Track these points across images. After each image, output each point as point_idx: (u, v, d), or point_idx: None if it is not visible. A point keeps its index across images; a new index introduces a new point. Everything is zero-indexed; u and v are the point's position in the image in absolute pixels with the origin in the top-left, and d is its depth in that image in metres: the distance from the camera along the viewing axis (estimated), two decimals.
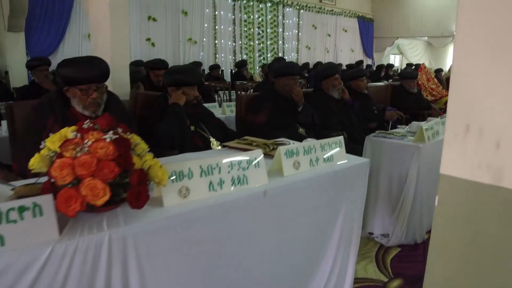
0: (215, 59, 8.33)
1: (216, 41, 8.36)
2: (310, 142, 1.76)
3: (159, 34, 7.49)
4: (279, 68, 3.05)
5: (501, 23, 0.88)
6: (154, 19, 7.36)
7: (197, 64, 6.78)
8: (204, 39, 8.16)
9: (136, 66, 5.08)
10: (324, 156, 1.72)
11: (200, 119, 2.52)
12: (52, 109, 1.84)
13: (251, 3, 8.79)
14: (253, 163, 1.43)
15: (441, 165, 0.99)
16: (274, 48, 9.48)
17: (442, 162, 0.99)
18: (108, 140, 1.09)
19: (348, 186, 1.80)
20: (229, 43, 8.61)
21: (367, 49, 12.22)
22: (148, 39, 7.42)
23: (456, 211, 1.01)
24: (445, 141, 0.98)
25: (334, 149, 1.78)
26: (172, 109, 2.31)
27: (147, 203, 1.24)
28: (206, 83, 5.39)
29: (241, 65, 7.20)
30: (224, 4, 8.35)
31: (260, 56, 9.20)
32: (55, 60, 5.20)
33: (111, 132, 1.13)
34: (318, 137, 3.14)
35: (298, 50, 10.13)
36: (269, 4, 9.14)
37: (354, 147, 3.05)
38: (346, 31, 11.43)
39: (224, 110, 3.85)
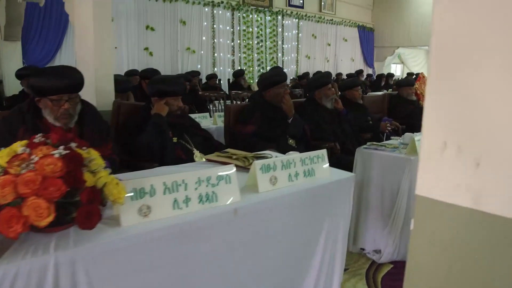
0: (214, 69, 8.30)
1: (215, 50, 8.32)
2: (291, 155, 1.67)
3: (157, 43, 7.46)
4: (265, 79, 2.97)
5: (481, 28, 0.80)
6: (152, 29, 7.34)
7: (195, 73, 6.73)
8: (203, 49, 8.12)
9: (128, 76, 5.04)
10: (305, 171, 1.63)
11: (184, 130, 2.44)
12: (23, 120, 1.77)
13: (250, 13, 8.77)
14: (224, 179, 1.34)
15: (416, 185, 0.90)
16: (273, 57, 9.44)
17: (418, 183, 0.90)
18: (56, 155, 1.01)
19: (331, 202, 1.71)
20: (228, 52, 8.57)
21: (368, 58, 12.16)
22: (146, 49, 7.39)
23: (433, 236, 0.91)
24: (420, 159, 0.89)
25: (316, 163, 1.68)
26: (153, 120, 2.23)
27: (103, 222, 1.16)
28: (200, 92, 5.32)
29: (238, 75, 7.15)
30: (223, 13, 8.33)
31: (259, 65, 9.15)
32: None
33: (62, 147, 1.05)
34: (309, 148, 3.07)
35: (297, 60, 10.08)
36: (268, 14, 9.12)
37: (346, 159, 2.97)
38: (346, 40, 11.38)
39: (215, 120, 3.78)
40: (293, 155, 1.64)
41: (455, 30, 0.82)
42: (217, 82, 7.38)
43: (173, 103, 2.36)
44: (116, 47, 6.94)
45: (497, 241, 0.83)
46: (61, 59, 6.49)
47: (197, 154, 2.34)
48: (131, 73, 5.54)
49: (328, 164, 1.75)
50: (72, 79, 1.78)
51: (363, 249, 2.74)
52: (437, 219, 0.88)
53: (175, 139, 2.33)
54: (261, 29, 9.04)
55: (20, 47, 5.93)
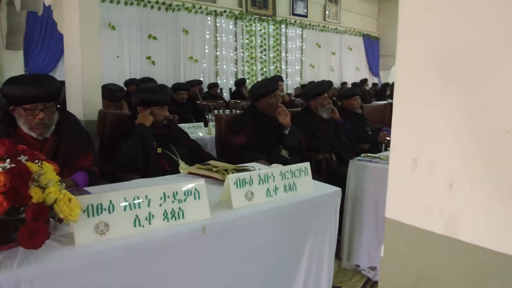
0: (216, 78, 8.26)
1: (217, 60, 8.29)
2: (271, 169, 1.59)
3: (159, 52, 7.44)
4: (256, 89, 2.89)
5: (451, 34, 0.71)
6: (154, 38, 7.33)
7: (195, 82, 6.67)
8: (205, 58, 8.10)
9: (127, 85, 5.01)
10: (285, 185, 1.54)
11: (171, 140, 2.37)
12: None
13: (253, 22, 8.74)
14: (193, 194, 1.26)
15: (386, 206, 0.81)
16: (276, 66, 9.39)
17: (388, 203, 0.81)
18: (0, 169, 0.94)
19: (315, 219, 1.61)
20: (231, 61, 8.54)
21: (373, 67, 12.05)
22: (149, 58, 7.38)
23: (405, 264, 0.82)
24: (389, 177, 0.80)
25: (298, 176, 1.59)
26: (137, 130, 2.17)
27: (57, 240, 1.09)
28: (198, 102, 5.27)
29: (240, 84, 7.10)
30: (226, 22, 8.31)
31: (262, 74, 9.10)
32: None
33: (8, 160, 0.97)
34: (304, 159, 2.97)
35: (301, 69, 10.02)
36: (271, 23, 9.09)
37: (342, 171, 2.87)
38: (351, 49, 11.29)
39: (210, 130, 3.70)
40: (273, 169, 1.56)
41: (422, 36, 0.74)
42: (219, 91, 7.32)
43: (158, 113, 2.29)
44: (118, 56, 6.96)
45: (476, 274, 0.73)
46: (64, 67, 6.48)
47: (182, 165, 2.26)
48: (130, 82, 5.52)
49: (311, 178, 1.65)
50: (47, 87, 1.72)
51: (358, 266, 2.62)
52: (409, 246, 0.79)
53: (159, 150, 2.26)
54: (264, 38, 9.00)
55: (22, 55, 5.95)
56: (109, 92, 3.38)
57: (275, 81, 2.97)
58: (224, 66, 8.44)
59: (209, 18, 8.02)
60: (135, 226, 1.14)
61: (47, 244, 1.05)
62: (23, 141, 1.73)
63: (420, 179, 0.74)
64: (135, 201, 1.15)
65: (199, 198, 1.27)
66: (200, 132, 3.65)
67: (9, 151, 1.00)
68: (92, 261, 1.06)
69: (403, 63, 0.76)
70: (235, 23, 8.45)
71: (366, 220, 2.54)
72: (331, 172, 3.11)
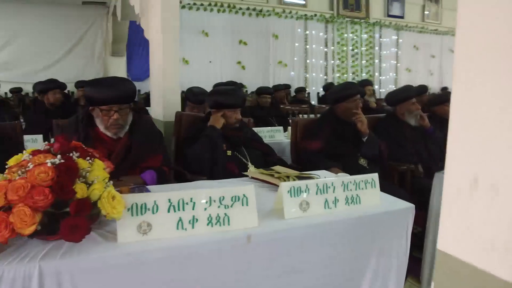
0: (305, 82, 8.17)
1: (307, 64, 8.19)
2: (331, 178, 1.46)
3: (249, 57, 7.62)
4: (335, 93, 2.74)
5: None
6: (244, 43, 7.53)
7: (284, 86, 6.68)
8: (295, 63, 8.05)
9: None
10: (347, 197, 1.40)
11: (242, 144, 2.35)
12: (77, 129, 1.85)
13: (345, 25, 8.46)
14: (240, 200, 1.20)
15: (438, 236, 0.65)
16: (369, 70, 8.95)
17: (440, 232, 0.65)
18: (49, 164, 0.98)
19: (380, 236, 1.44)
20: (320, 66, 8.37)
21: None
22: (239, 62, 7.60)
23: None
24: (443, 200, 0.64)
25: (362, 188, 1.44)
26: (206, 132, 2.19)
27: (103, 235, 1.12)
28: (281, 106, 5.24)
29: (327, 88, 6.92)
30: (316, 26, 8.17)
31: (353, 79, 8.75)
32: None
33: (59, 156, 1.02)
34: (384, 169, 2.74)
35: (397, 73, 9.42)
36: (364, 25, 8.70)
37: (430, 184, 2.58)
38: (453, 51, 10.30)
39: (289, 135, 3.63)
40: (334, 178, 1.43)
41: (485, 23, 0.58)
42: (306, 95, 7.23)
43: (230, 115, 2.30)
44: (210, 61, 7.29)
45: None
46: None
47: (251, 169, 2.23)
48: (218, 85, 5.71)
49: (378, 191, 1.48)
50: (121, 90, 1.81)
51: None
52: (465, 287, 0.62)
53: (229, 152, 2.26)
54: (356, 41, 8.66)
55: (125, 62, 6.56)
56: (193, 94, 3.50)
57: (359, 84, 2.80)
58: (314, 72, 8.31)
59: (299, 22, 7.97)
60: (177, 228, 1.12)
61: (92, 238, 1.08)
62: (99, 139, 1.86)
63: (481, 204, 0.58)
64: (179, 204, 1.13)
65: (246, 205, 1.20)
66: (279, 136, 3.60)
67: (62, 147, 1.05)
68: (133, 260, 1.06)
69: (463, 51, 0.61)
70: (326, 27, 8.27)
71: None
72: (417, 185, 2.82)
